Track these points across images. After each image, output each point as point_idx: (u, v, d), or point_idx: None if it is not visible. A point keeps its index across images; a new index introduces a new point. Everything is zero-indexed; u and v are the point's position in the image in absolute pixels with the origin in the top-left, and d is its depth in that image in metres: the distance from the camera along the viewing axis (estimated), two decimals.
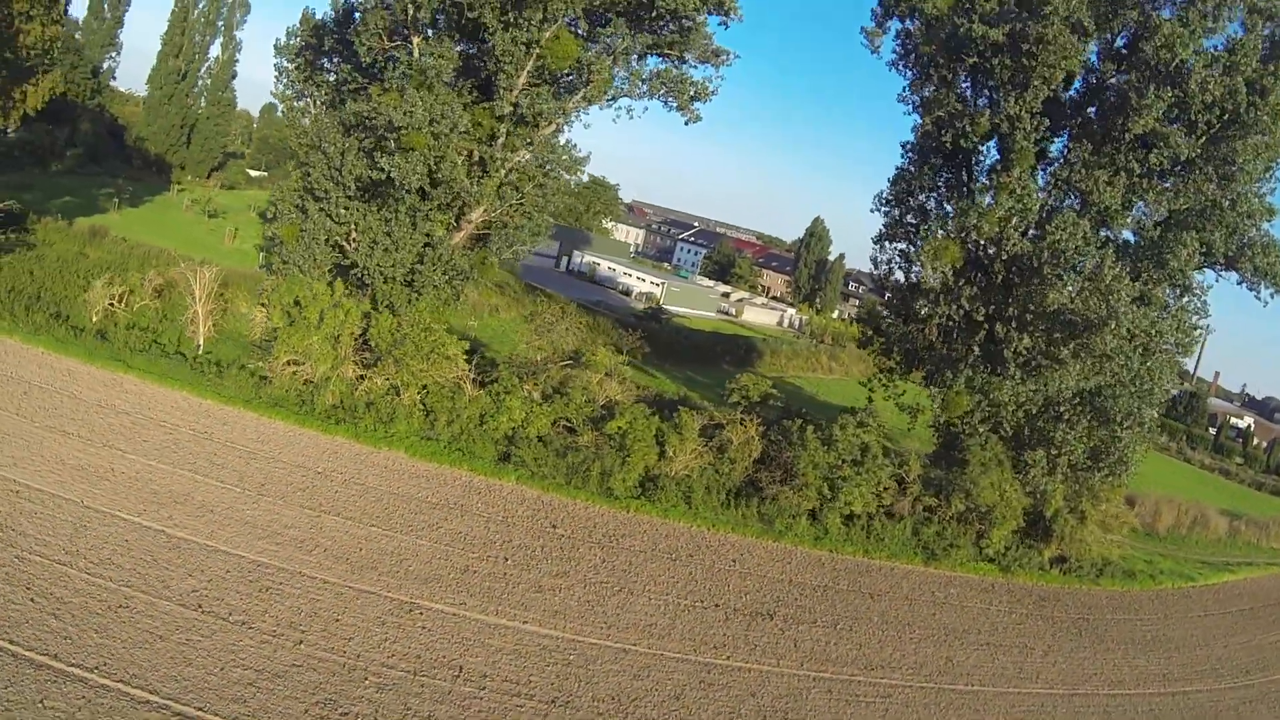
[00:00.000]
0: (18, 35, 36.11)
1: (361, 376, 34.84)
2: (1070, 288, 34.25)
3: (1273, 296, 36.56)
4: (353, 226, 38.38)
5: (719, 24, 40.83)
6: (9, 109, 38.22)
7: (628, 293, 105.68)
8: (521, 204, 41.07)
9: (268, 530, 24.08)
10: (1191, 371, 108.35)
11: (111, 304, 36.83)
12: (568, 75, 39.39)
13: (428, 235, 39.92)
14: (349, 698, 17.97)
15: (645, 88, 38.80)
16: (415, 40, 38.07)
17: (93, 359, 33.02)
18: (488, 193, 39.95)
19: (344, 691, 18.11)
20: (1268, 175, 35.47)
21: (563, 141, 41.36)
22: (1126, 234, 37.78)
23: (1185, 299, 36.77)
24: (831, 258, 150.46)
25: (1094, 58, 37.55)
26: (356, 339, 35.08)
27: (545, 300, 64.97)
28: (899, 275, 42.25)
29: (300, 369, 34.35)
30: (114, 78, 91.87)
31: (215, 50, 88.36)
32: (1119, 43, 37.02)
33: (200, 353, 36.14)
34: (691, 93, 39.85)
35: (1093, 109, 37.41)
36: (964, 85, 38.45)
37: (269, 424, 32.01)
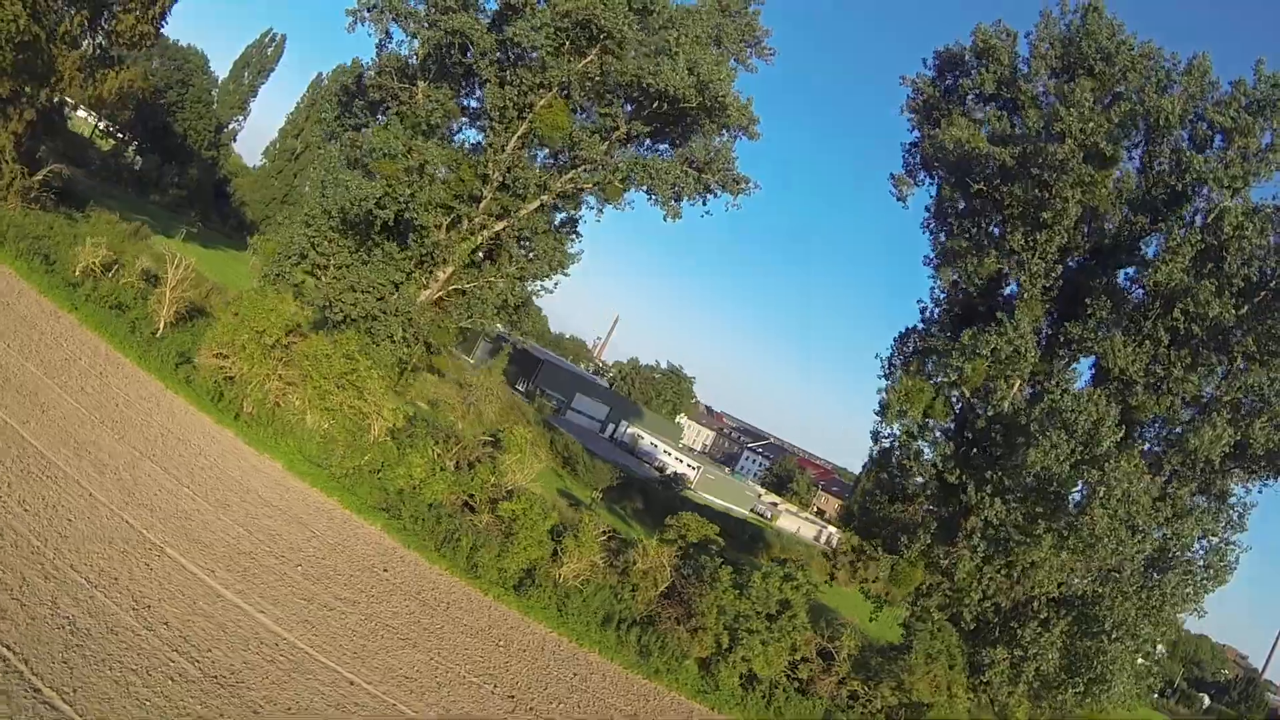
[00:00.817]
0: (115, 20, 39.76)
1: (282, 387, 34.00)
2: (1059, 450, 29.29)
3: None
4: (329, 259, 38.88)
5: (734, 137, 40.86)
6: (89, 86, 41.41)
7: (662, 469, 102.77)
8: (494, 277, 41.04)
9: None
10: (1261, 668, 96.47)
11: (92, 267, 37.79)
12: (567, 153, 39.80)
13: (395, 284, 40.00)
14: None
15: (650, 178, 38.16)
16: (420, 84, 39.68)
17: (51, 295, 33.91)
18: (460, 253, 39.98)
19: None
20: None
21: (553, 224, 41.51)
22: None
23: (1215, 506, 31.34)
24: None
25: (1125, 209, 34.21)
26: (284, 349, 34.50)
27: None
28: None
29: (225, 363, 33.84)
30: (235, 139, 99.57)
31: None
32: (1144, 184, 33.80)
33: (155, 333, 36.29)
34: (698, 187, 39.05)
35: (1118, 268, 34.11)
36: (981, 228, 36.04)
37: (168, 395, 31.38)
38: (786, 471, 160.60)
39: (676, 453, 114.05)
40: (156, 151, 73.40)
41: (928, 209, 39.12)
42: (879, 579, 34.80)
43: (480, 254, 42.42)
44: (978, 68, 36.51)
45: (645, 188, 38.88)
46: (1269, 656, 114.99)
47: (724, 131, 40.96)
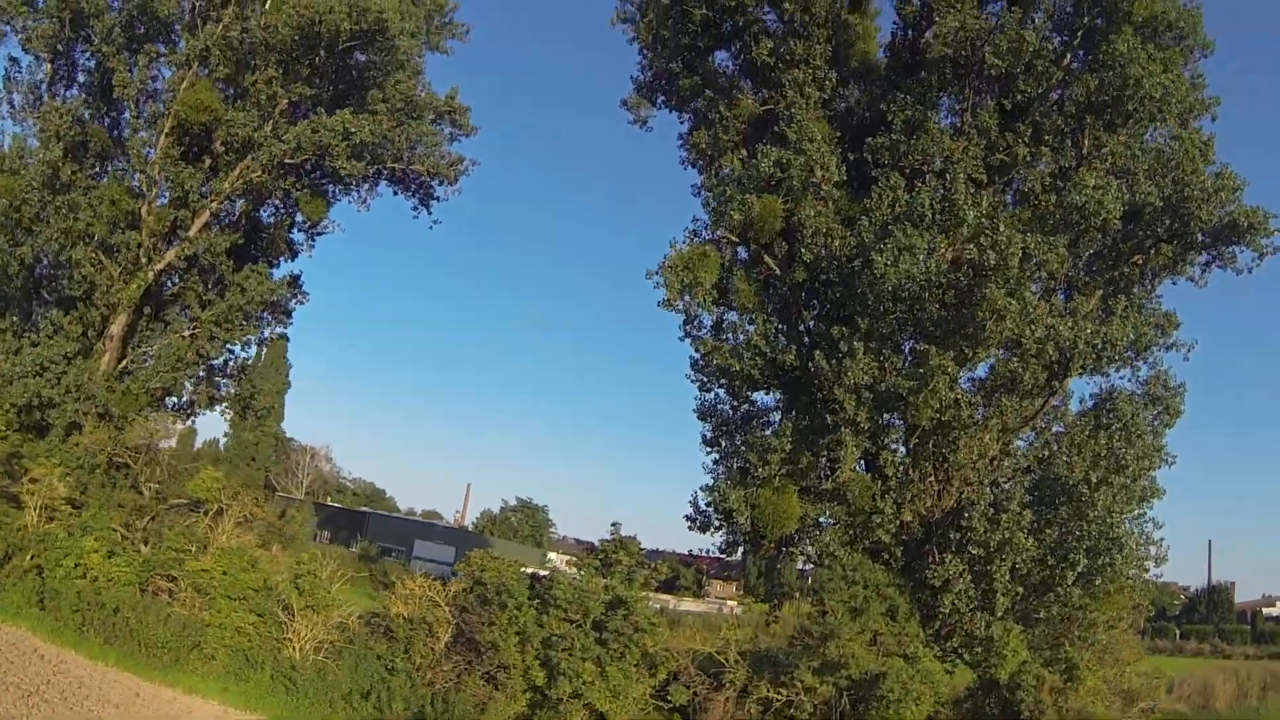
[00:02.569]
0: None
1: None
2: (913, 245, 22.87)
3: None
4: None
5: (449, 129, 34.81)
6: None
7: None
8: (180, 326, 31.79)
9: None
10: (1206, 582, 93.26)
11: None
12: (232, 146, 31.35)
13: (68, 357, 30.23)
14: None
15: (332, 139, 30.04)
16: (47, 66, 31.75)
17: None
18: (127, 296, 30.56)
19: None
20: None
21: (252, 246, 32.78)
22: None
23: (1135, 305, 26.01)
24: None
25: None
26: None
27: None
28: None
29: None
30: None
31: None
32: None
33: None
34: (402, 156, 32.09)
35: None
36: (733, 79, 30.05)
37: None
38: (671, 571, 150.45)
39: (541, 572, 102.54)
40: None
41: (680, 136, 32.47)
42: (749, 534, 25.82)
43: (157, 298, 33.27)
44: None
45: (333, 172, 31.37)
46: (1209, 566, 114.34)
47: (432, 120, 35.15)
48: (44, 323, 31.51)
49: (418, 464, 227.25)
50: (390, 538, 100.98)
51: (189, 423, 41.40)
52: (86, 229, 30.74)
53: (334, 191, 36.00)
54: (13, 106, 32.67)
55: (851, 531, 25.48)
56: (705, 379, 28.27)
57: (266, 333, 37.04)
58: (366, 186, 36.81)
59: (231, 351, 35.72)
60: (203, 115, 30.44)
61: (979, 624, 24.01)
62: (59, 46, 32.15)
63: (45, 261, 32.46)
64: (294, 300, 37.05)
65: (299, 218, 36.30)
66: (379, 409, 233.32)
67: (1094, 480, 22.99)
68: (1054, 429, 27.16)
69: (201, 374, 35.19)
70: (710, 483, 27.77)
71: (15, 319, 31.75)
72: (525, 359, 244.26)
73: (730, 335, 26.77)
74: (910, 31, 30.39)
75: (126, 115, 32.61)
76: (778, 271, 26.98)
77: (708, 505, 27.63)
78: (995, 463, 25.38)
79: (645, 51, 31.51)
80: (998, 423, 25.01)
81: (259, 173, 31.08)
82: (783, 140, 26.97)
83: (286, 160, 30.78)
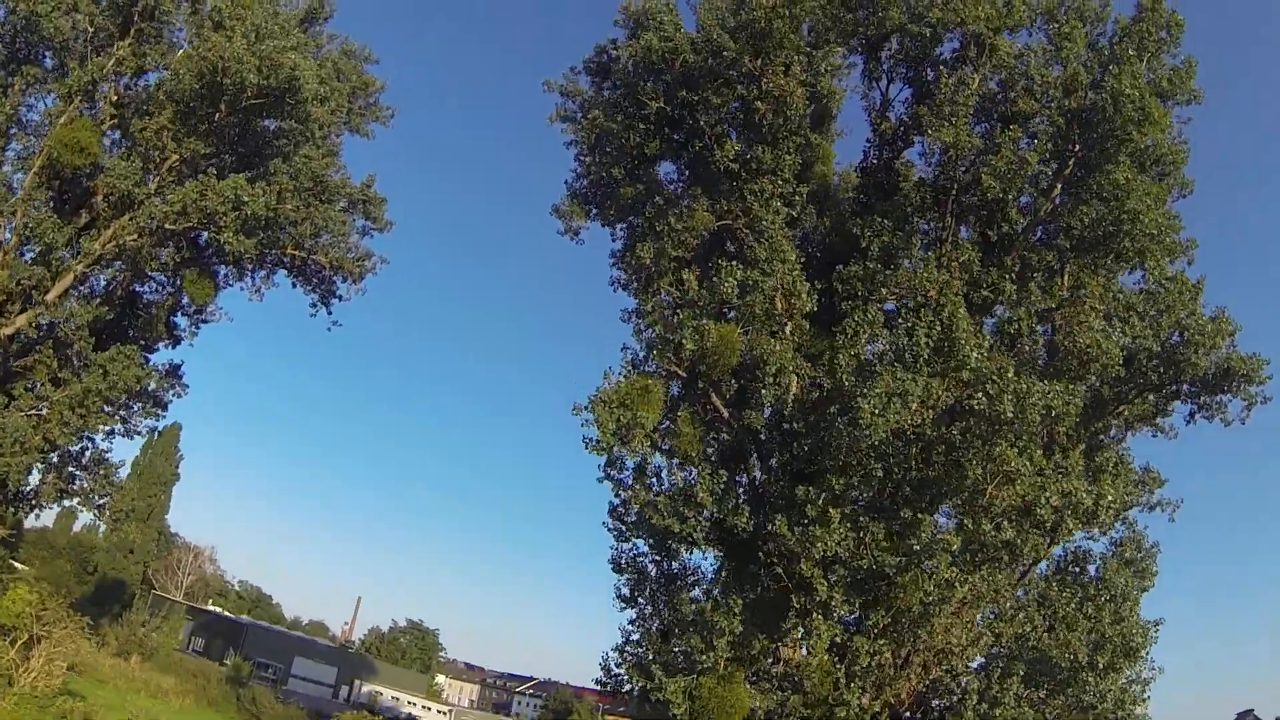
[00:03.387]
0: None
1: None
2: (905, 389, 19.55)
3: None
4: None
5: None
6: None
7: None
8: (28, 403, 26.64)
9: None
10: None
11: None
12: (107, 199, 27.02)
13: None
14: None
15: (219, 206, 25.73)
16: None
17: None
18: None
19: None
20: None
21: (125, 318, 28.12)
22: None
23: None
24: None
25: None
26: None
27: None
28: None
29: None
30: None
31: None
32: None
33: None
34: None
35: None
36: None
37: None
38: (563, 704, 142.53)
39: (425, 702, 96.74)
40: None
41: (612, 255, 29.02)
42: None
43: (6, 369, 28.08)
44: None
45: (214, 239, 27.09)
46: None
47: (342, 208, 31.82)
48: None
49: (307, 571, 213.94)
50: (269, 652, 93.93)
51: (32, 515, 35.12)
52: None
53: (225, 274, 31.83)
54: None
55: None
56: (625, 529, 24.46)
57: (140, 424, 31.92)
58: (262, 274, 32.75)
59: (90, 440, 30.51)
60: (78, 158, 26.10)
61: None
62: None
63: None
64: (171, 392, 32.49)
65: (185, 299, 31.92)
66: (272, 509, 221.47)
67: (1100, 665, 20.28)
68: (1022, 596, 24.09)
69: (53, 459, 29.90)
70: (623, 641, 24.55)
71: None
72: (425, 477, 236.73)
73: (657, 483, 22.75)
74: (884, 151, 28.10)
75: None
76: (725, 414, 23.23)
77: (620, 668, 24.48)
78: (980, 643, 21.78)
79: (582, 156, 28.29)
80: (988, 598, 21.49)
81: (134, 236, 26.50)
82: (742, 259, 23.96)
83: (167, 225, 26.31)
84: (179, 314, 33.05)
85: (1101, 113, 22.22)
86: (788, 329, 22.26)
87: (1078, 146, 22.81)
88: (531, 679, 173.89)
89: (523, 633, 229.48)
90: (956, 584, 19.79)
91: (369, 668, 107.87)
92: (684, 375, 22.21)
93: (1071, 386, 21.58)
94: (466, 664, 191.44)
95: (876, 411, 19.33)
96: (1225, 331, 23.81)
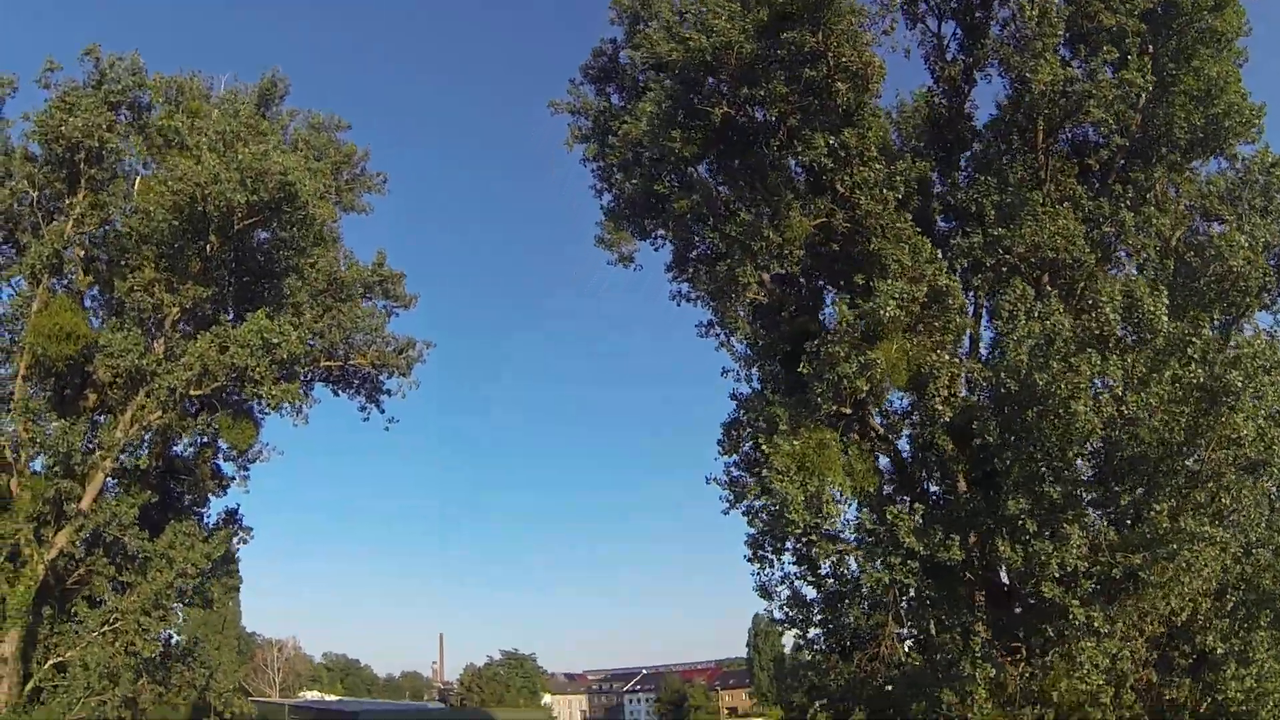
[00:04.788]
0: None
1: None
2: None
3: None
4: None
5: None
6: None
7: None
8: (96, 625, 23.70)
9: None
10: None
11: None
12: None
13: None
14: None
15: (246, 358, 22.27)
16: None
17: None
18: (14, 608, 23.49)
19: None
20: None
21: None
22: None
23: None
24: (788, 648, 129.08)
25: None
26: None
27: None
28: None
29: None
30: None
31: None
32: None
33: None
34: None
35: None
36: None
37: None
38: (676, 693, 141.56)
39: None
40: None
41: (668, 268, 26.09)
42: None
43: (60, 590, 24.96)
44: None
45: (254, 395, 23.58)
46: None
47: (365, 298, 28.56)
48: None
49: (383, 626, 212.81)
50: None
51: None
52: None
53: (261, 408, 28.43)
54: None
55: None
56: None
57: (214, 592, 29.13)
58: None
59: (170, 637, 27.63)
60: (66, 346, 22.80)
61: None
62: None
63: None
64: (237, 542, 29.27)
65: (223, 444, 28.54)
66: (332, 575, 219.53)
67: None
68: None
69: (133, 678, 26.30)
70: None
71: None
72: (473, 498, 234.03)
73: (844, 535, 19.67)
74: (952, 98, 24.51)
75: None
76: (888, 440, 20.52)
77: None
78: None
79: (612, 175, 25.28)
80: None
81: (158, 413, 23.18)
82: (849, 261, 20.95)
83: (191, 392, 22.99)
84: (220, 459, 29.73)
85: (1177, 7, 20.61)
86: (947, 334, 19.06)
87: (1152, 49, 20.61)
88: (637, 672, 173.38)
89: (614, 625, 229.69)
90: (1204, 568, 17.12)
91: (485, 718, 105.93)
92: (850, 412, 18.97)
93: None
94: (566, 675, 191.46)
95: (1089, 411, 16.78)
96: None
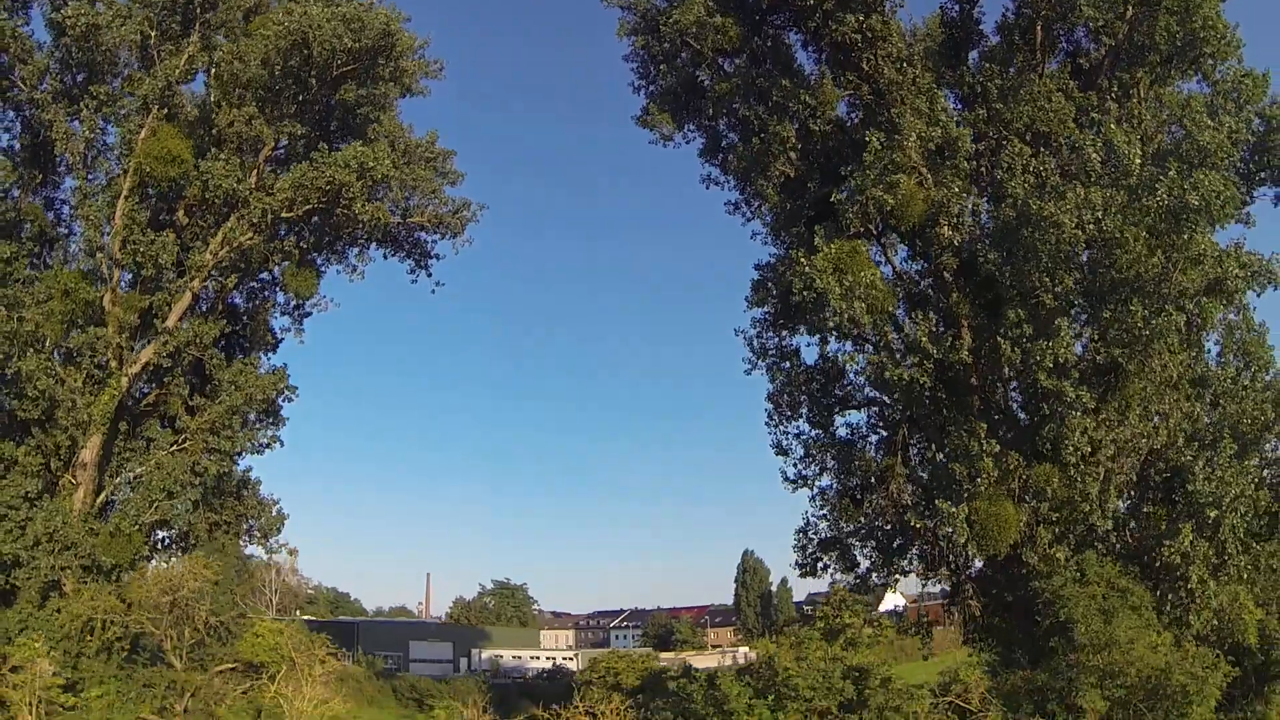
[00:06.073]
0: None
1: None
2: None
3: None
4: None
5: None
6: None
7: (540, 675, 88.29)
8: (167, 444, 26.64)
9: None
10: None
11: None
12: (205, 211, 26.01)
13: (30, 499, 24.37)
14: None
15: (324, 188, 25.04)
16: None
17: None
18: (98, 412, 25.04)
19: None
20: None
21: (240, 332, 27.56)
22: None
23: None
24: (774, 586, 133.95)
25: None
26: None
27: None
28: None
29: None
30: None
31: None
32: None
33: None
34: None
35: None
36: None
37: None
38: (662, 627, 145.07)
39: (546, 654, 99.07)
40: None
41: (701, 153, 29.43)
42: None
43: (135, 411, 27.59)
44: None
45: (344, 213, 26.03)
46: None
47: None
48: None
49: (371, 561, 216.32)
50: (384, 644, 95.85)
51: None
52: (35, 332, 25.11)
53: (322, 261, 31.13)
54: None
55: (1056, 529, 22.58)
56: (816, 410, 25.40)
57: (265, 437, 30.99)
58: (356, 251, 32.05)
59: (235, 463, 29.98)
60: (171, 168, 25.11)
61: (1210, 595, 22.01)
62: None
63: None
64: (283, 398, 31.38)
65: (280, 298, 31.17)
66: (322, 504, 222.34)
67: None
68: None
69: (197, 497, 29.04)
70: (805, 523, 26.93)
71: None
72: (465, 437, 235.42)
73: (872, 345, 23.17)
74: (960, 6, 27.97)
75: (69, 182, 27.26)
76: (911, 262, 23.98)
77: (812, 546, 27.05)
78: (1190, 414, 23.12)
79: (657, 63, 28.21)
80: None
81: (248, 234, 25.79)
82: (874, 125, 24.23)
83: (284, 214, 25.57)
84: (276, 313, 32.46)
85: None
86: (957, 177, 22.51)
87: None
88: (621, 611, 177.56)
89: (599, 571, 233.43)
90: (1176, 364, 20.76)
91: (481, 634, 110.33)
92: (876, 232, 22.41)
93: (1223, 176, 21.57)
94: (554, 613, 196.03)
95: (1074, 225, 20.15)
96: None
